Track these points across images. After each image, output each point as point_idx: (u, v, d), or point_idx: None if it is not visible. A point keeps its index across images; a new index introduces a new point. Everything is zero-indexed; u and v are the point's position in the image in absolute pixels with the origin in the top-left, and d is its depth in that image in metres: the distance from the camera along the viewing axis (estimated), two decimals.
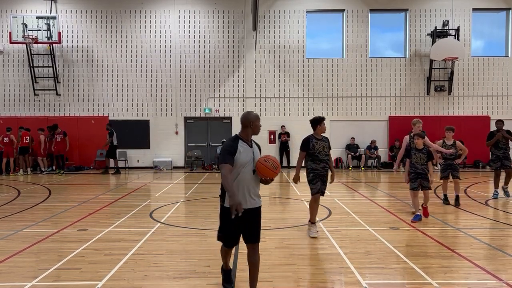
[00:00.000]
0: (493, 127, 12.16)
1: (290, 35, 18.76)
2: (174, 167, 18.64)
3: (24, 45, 17.87)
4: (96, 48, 18.70)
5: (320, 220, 7.59)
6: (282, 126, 18.47)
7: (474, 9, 18.78)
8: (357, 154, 18.41)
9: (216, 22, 18.75)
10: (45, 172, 17.02)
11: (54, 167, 17.37)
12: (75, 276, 4.86)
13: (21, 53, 18.53)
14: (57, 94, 18.64)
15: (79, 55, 18.72)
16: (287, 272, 4.96)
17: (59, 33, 17.82)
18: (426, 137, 8.18)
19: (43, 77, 18.56)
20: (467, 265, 5.16)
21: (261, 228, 4.16)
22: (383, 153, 18.73)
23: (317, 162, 6.58)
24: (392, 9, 19.02)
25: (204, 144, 19.15)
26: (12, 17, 17.55)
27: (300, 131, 17.54)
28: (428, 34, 18.61)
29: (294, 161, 17.85)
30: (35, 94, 18.57)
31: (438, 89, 18.73)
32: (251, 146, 4.03)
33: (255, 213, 4.03)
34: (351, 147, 18.52)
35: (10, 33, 17.49)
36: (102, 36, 18.70)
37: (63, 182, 14.19)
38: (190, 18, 18.75)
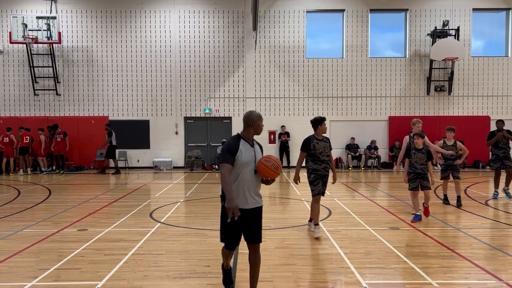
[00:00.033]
0: (493, 127, 12.17)
1: (290, 35, 18.76)
2: (174, 167, 18.64)
3: (24, 45, 17.87)
4: (96, 48, 18.70)
5: (320, 220, 7.57)
6: (282, 126, 18.47)
7: (474, 9, 18.78)
8: (357, 154, 18.41)
9: (216, 22, 18.75)
10: (45, 172, 17.02)
11: (54, 167, 17.37)
12: (75, 276, 4.86)
13: (21, 53, 18.53)
14: (57, 94, 18.64)
15: (79, 55, 18.72)
16: (287, 272, 4.96)
17: (59, 33, 17.82)
18: (426, 137, 8.18)
19: (43, 77, 18.56)
20: (467, 265, 5.16)
21: (262, 228, 4.15)
22: (383, 153, 18.73)
23: (318, 163, 6.55)
24: (392, 9, 19.02)
25: (204, 144, 19.15)
26: (12, 17, 17.55)
27: (300, 131, 17.56)
28: (428, 34, 18.61)
29: (294, 161, 17.85)
30: (35, 94, 18.57)
31: (438, 89, 18.73)
32: (252, 145, 4.00)
33: (256, 213, 4.00)
34: (351, 147, 18.52)
35: (10, 33, 17.49)
36: (102, 36, 18.70)
37: (63, 182, 14.19)
38: (190, 18, 18.75)
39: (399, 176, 14.77)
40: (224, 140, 17.47)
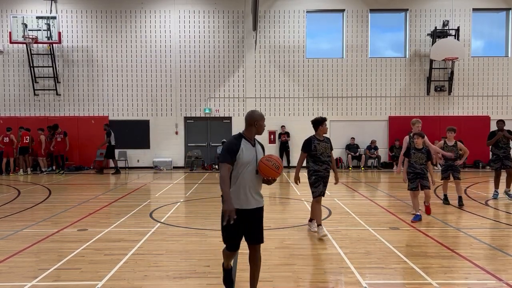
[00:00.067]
0: (493, 127, 12.17)
1: (290, 35, 18.76)
2: (174, 167, 18.64)
3: (24, 45, 17.87)
4: (96, 48, 18.70)
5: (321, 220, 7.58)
6: (282, 126, 18.47)
7: (474, 9, 18.78)
8: (357, 154, 18.42)
9: (216, 22, 18.75)
10: (45, 172, 17.02)
11: (54, 167, 17.37)
12: (75, 276, 4.86)
13: (21, 53, 18.53)
14: (57, 94, 18.64)
15: (79, 55, 18.72)
16: (287, 272, 4.96)
17: (59, 33, 17.82)
18: (426, 138, 8.18)
19: (43, 77, 18.56)
20: (467, 265, 5.16)
21: (263, 229, 4.11)
22: (383, 153, 18.73)
23: (319, 164, 6.52)
24: (392, 9, 19.02)
25: (204, 144, 19.15)
26: (12, 17, 17.55)
27: (300, 131, 17.57)
28: (428, 34, 18.61)
29: (294, 161, 17.84)
30: (35, 94, 18.57)
31: (438, 89, 18.73)
32: (254, 145, 3.96)
33: (258, 213, 3.96)
34: (351, 147, 18.52)
35: (10, 33, 17.49)
36: (102, 36, 18.70)
37: (63, 182, 14.19)
38: (190, 18, 18.75)
39: (399, 176, 14.72)
40: (224, 140, 17.47)
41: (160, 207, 9.22)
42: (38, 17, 17.68)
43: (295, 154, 17.84)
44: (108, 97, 18.74)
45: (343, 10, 18.85)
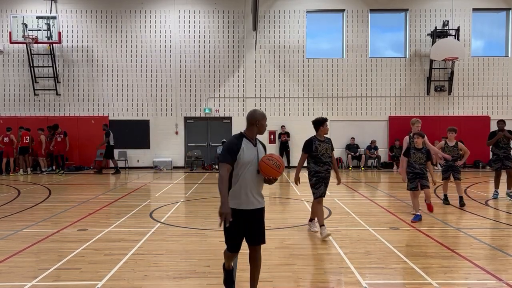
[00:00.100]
0: (493, 127, 12.17)
1: (290, 35, 18.76)
2: (174, 167, 18.64)
3: (24, 45, 17.87)
4: (96, 48, 18.70)
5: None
6: (282, 126, 18.47)
7: (474, 9, 18.78)
8: (357, 154, 18.41)
9: (216, 22, 18.75)
10: (45, 172, 17.02)
11: (54, 167, 17.37)
12: (75, 276, 4.86)
13: (21, 53, 18.53)
14: (57, 94, 18.64)
15: (79, 55, 18.72)
16: (287, 272, 4.96)
17: (59, 33, 17.82)
18: (425, 138, 8.18)
19: (43, 77, 18.56)
20: (467, 265, 5.16)
21: (264, 229, 4.07)
22: (383, 153, 18.72)
23: (320, 165, 6.46)
24: (392, 9, 19.02)
25: (204, 144, 19.15)
26: (12, 17, 17.55)
27: (300, 131, 17.59)
28: (428, 34, 18.61)
29: (294, 161, 17.85)
30: (35, 94, 18.57)
31: (438, 89, 18.73)
32: (255, 145, 3.91)
33: (258, 214, 3.92)
34: (351, 147, 18.52)
35: (10, 33, 17.49)
36: (102, 36, 18.70)
37: (63, 182, 14.19)
38: (190, 18, 18.75)
39: (399, 176, 14.77)
40: (224, 140, 17.47)
41: (160, 207, 9.22)
42: (38, 17, 17.68)
43: (295, 154, 17.85)
44: (108, 97, 18.74)
45: (343, 10, 18.85)
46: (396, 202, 9.82)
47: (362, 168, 18.11)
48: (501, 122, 10.07)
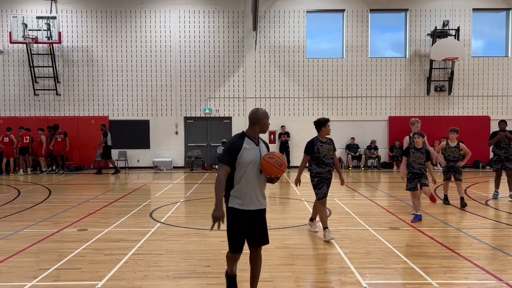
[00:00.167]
0: (493, 127, 12.17)
1: (290, 35, 18.76)
2: (174, 167, 18.64)
3: (24, 45, 17.87)
4: (96, 48, 18.70)
5: (320, 220, 7.57)
6: (282, 126, 18.47)
7: (474, 9, 18.77)
8: (357, 154, 18.41)
9: (216, 22, 18.75)
10: (45, 172, 17.02)
11: (54, 167, 17.37)
12: (75, 276, 4.86)
13: (21, 53, 18.53)
14: (57, 94, 18.64)
15: (79, 55, 18.72)
16: (287, 272, 4.96)
17: (59, 33, 17.82)
18: (425, 138, 8.18)
19: (43, 77, 18.56)
20: (467, 265, 5.16)
21: (267, 230, 4.03)
22: (383, 153, 18.72)
23: (322, 166, 6.37)
24: (392, 9, 19.01)
25: (204, 144, 19.15)
26: (12, 17, 17.55)
27: (300, 131, 17.61)
28: (428, 34, 18.61)
29: (294, 161, 17.86)
30: (35, 94, 18.57)
31: (438, 89, 18.73)
32: (258, 144, 3.86)
33: (259, 215, 3.90)
34: (351, 147, 18.52)
35: (10, 33, 17.49)
36: (102, 36, 18.70)
37: (63, 182, 14.19)
38: (190, 18, 18.75)
39: (399, 176, 14.77)
40: (224, 140, 17.48)
41: (160, 207, 9.22)
42: (38, 17, 17.68)
43: (295, 154, 17.86)
44: (108, 97, 18.74)
45: (343, 10, 18.85)
46: (396, 202, 9.82)
47: (362, 168, 18.10)
48: (503, 123, 10.07)
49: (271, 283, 4.59)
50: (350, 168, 18.17)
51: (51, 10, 18.37)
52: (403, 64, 18.88)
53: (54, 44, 18.10)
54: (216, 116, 18.88)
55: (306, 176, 6.73)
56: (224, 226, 3.74)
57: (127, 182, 14.33)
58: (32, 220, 7.89)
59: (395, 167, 17.78)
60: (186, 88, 18.84)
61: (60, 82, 18.64)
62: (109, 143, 16.67)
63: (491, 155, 10.60)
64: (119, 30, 18.69)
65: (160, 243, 6.22)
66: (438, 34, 18.27)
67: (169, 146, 18.79)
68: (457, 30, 18.31)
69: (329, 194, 6.66)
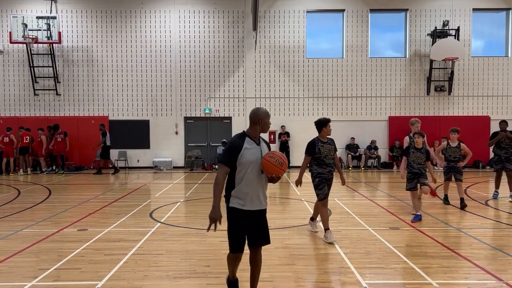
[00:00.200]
0: (493, 128, 12.16)
1: (290, 35, 18.76)
2: (174, 167, 18.64)
3: (24, 45, 17.87)
4: (96, 48, 18.70)
5: (320, 220, 7.57)
6: (282, 126, 18.47)
7: (474, 9, 18.77)
8: (357, 154, 18.41)
9: (216, 22, 18.75)
10: (45, 172, 17.02)
11: (54, 167, 17.37)
12: (75, 276, 4.86)
13: (21, 53, 18.53)
14: (57, 94, 18.64)
15: (79, 55, 18.72)
16: (287, 272, 4.96)
17: (59, 33, 17.82)
18: (425, 138, 8.18)
19: (43, 77, 18.56)
20: (467, 265, 5.16)
21: (268, 231, 4.02)
22: (383, 153, 18.72)
23: (323, 167, 6.34)
24: (392, 9, 19.01)
25: (204, 144, 19.15)
26: (12, 17, 17.55)
27: (300, 131, 17.62)
28: (428, 34, 18.61)
29: (294, 161, 17.86)
30: (35, 94, 18.57)
31: (438, 89, 18.73)
32: (258, 144, 3.83)
33: (259, 215, 3.89)
34: (351, 147, 18.52)
35: (10, 33, 17.49)
36: (102, 36, 18.70)
37: (63, 182, 14.19)
38: (190, 18, 18.75)
39: (399, 176, 14.77)
40: (225, 140, 17.49)
41: (160, 207, 9.22)
42: (38, 17, 17.68)
43: (295, 154, 17.86)
44: (108, 97, 18.74)
45: (343, 10, 18.85)
46: (396, 202, 9.82)
47: (362, 168, 18.10)
48: (503, 123, 10.06)
49: (271, 283, 4.60)
50: (350, 168, 18.17)
51: (51, 10, 18.38)
52: (403, 64, 18.88)
53: (54, 44, 18.10)
54: (216, 116, 18.88)
55: (306, 176, 6.72)
56: (221, 226, 3.74)
57: (127, 182, 14.33)
58: (32, 220, 7.89)
59: (395, 167, 17.78)
60: (186, 88, 18.84)
61: (60, 82, 18.64)
62: (108, 143, 16.65)
63: (491, 155, 10.62)
64: (119, 30, 18.69)
65: (160, 243, 6.22)
66: (438, 34, 18.27)
67: (169, 146, 18.80)
68: (457, 30, 18.31)
69: (329, 194, 6.65)
